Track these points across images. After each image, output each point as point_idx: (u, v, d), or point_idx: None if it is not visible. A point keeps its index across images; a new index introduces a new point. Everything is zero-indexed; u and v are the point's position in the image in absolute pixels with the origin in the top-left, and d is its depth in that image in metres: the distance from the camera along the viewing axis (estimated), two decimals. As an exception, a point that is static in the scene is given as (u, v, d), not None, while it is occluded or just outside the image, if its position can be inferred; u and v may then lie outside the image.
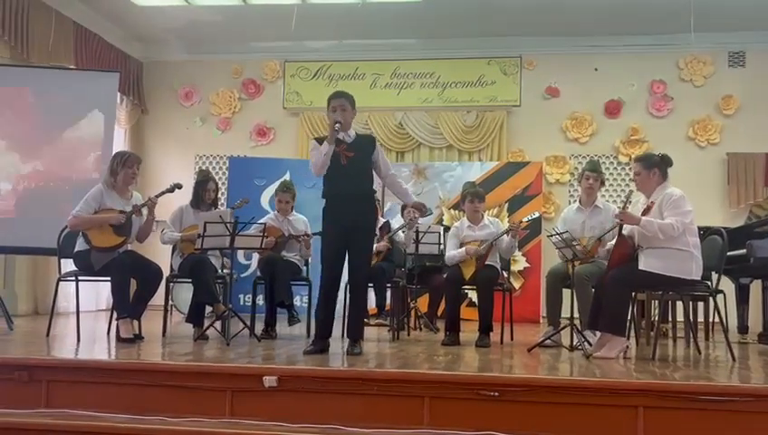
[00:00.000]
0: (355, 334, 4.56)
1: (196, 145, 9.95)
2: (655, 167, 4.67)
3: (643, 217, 4.50)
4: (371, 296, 6.21)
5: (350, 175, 4.57)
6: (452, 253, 5.65)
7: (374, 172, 4.72)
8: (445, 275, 5.80)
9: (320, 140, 4.58)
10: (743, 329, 6.12)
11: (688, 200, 4.51)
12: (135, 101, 9.76)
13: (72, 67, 8.20)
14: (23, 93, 6.76)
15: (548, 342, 5.17)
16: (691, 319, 5.66)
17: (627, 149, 9.11)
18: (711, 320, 6.02)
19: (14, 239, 6.51)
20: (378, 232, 6.10)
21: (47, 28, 7.97)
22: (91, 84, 7.00)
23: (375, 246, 5.90)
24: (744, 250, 5.88)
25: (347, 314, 4.72)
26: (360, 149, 4.63)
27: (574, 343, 4.96)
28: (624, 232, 4.67)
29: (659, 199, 4.56)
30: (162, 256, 5.90)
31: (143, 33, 9.67)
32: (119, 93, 8.21)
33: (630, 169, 8.68)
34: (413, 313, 6.82)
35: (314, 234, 5.65)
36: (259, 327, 5.57)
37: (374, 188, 4.72)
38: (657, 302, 5.65)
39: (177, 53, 10.06)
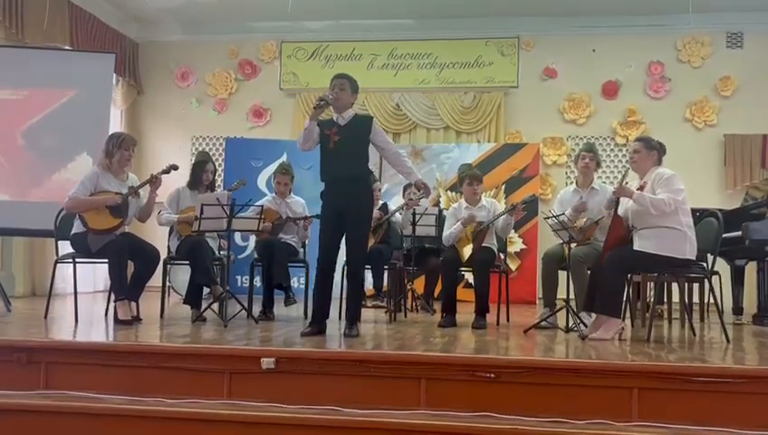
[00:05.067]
0: (352, 317, 4.58)
1: (192, 126, 9.91)
2: (654, 150, 4.76)
3: (636, 191, 4.54)
4: (369, 278, 6.24)
5: (339, 158, 4.58)
6: (449, 231, 5.68)
7: (380, 154, 4.76)
8: (441, 257, 5.81)
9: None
10: (737, 310, 6.18)
11: (680, 180, 4.55)
12: (131, 82, 9.71)
13: (67, 48, 8.15)
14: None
15: (544, 323, 5.19)
16: (686, 301, 5.69)
17: (624, 130, 9.09)
18: (706, 301, 6.07)
19: (12, 221, 6.52)
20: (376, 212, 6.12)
21: (42, 8, 7.88)
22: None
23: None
24: (740, 232, 5.91)
25: (345, 296, 4.73)
26: (352, 131, 4.62)
27: (570, 325, 5.00)
28: (619, 212, 4.69)
29: (651, 179, 4.63)
30: (160, 237, 5.92)
31: (139, 14, 9.59)
32: (114, 75, 8.16)
33: (627, 150, 8.69)
34: (410, 294, 6.84)
35: (312, 216, 5.67)
36: (256, 309, 5.59)
37: (369, 169, 4.71)
38: (652, 283, 5.68)
39: (174, 33, 9.98)
